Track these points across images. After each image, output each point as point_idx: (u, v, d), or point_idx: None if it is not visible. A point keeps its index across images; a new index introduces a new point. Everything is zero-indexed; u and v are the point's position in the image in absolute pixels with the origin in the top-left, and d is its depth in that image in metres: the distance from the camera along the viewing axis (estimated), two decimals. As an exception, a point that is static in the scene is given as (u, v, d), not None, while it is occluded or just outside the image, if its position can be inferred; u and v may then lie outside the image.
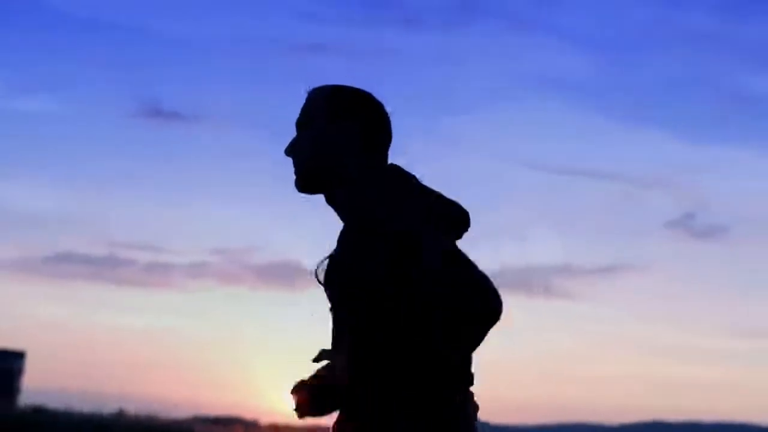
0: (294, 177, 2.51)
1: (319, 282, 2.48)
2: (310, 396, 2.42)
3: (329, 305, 2.48)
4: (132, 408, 25.61)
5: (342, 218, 2.48)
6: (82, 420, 22.72)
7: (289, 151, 2.52)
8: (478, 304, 2.22)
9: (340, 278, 2.39)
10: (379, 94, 2.56)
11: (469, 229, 2.42)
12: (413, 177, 2.45)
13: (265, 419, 26.44)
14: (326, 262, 2.47)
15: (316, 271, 2.48)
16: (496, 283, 2.30)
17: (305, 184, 2.51)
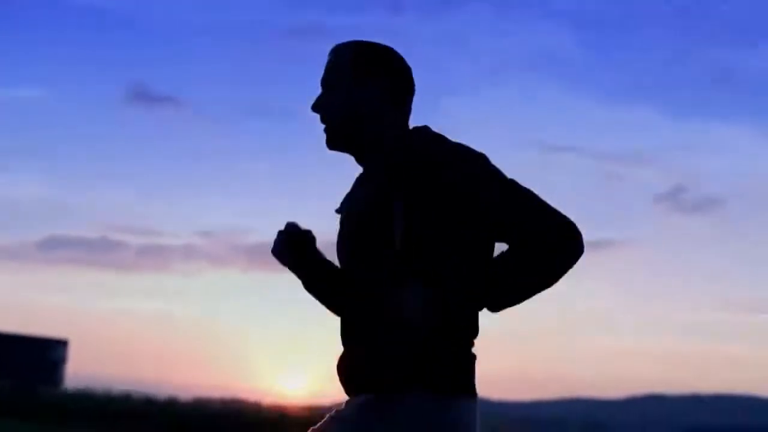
0: (325, 134, 2.43)
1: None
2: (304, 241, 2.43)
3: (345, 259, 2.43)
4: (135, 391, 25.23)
5: (373, 177, 2.40)
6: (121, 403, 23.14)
7: (315, 108, 2.45)
8: (577, 236, 2.29)
9: (375, 233, 2.30)
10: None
11: None
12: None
13: (253, 398, 25.96)
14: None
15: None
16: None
17: (336, 141, 2.43)
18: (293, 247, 2.44)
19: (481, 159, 2.30)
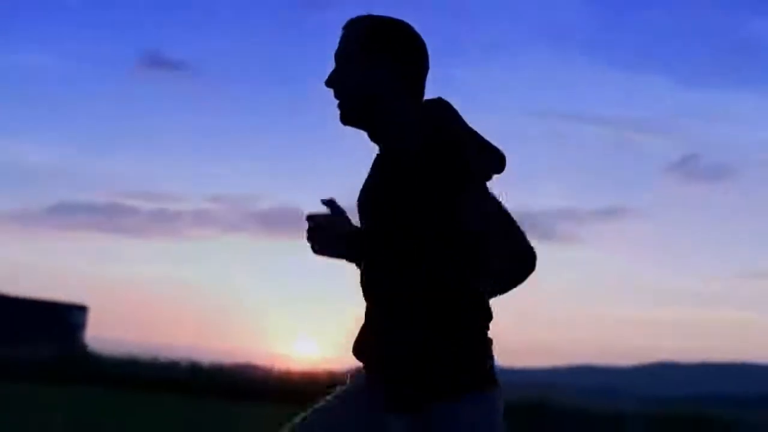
0: (338, 109, 2.41)
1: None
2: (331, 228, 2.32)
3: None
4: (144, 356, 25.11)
5: (386, 152, 2.39)
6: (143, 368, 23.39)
7: (329, 83, 2.41)
8: (526, 269, 2.32)
9: (389, 208, 2.28)
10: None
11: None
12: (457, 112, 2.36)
13: (266, 363, 25.99)
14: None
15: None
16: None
17: (350, 116, 2.40)
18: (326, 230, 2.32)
19: (499, 155, 2.29)
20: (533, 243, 2.35)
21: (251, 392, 21.33)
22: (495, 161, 2.29)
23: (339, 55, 2.42)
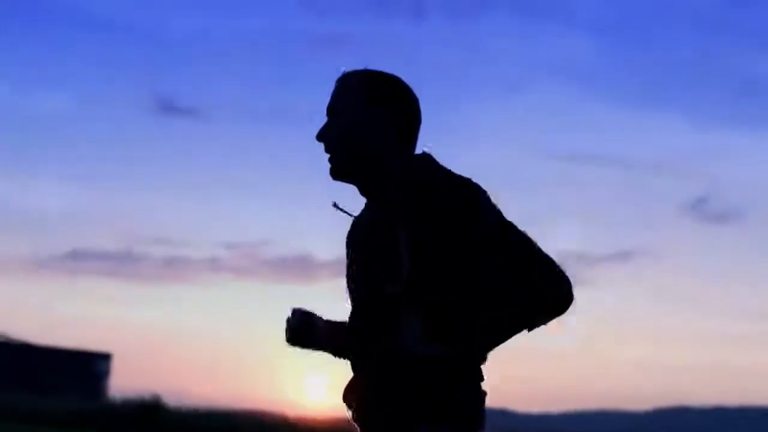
0: (328, 164, 2.35)
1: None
2: (308, 325, 2.32)
3: (350, 288, 2.37)
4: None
5: (378, 207, 2.33)
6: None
7: (321, 137, 2.35)
8: (555, 294, 2.20)
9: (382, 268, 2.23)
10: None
11: None
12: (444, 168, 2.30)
13: (279, 409, 25.89)
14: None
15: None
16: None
17: (340, 171, 2.34)
18: (301, 334, 2.34)
19: (483, 192, 2.24)
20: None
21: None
22: None
23: (332, 107, 2.37)
